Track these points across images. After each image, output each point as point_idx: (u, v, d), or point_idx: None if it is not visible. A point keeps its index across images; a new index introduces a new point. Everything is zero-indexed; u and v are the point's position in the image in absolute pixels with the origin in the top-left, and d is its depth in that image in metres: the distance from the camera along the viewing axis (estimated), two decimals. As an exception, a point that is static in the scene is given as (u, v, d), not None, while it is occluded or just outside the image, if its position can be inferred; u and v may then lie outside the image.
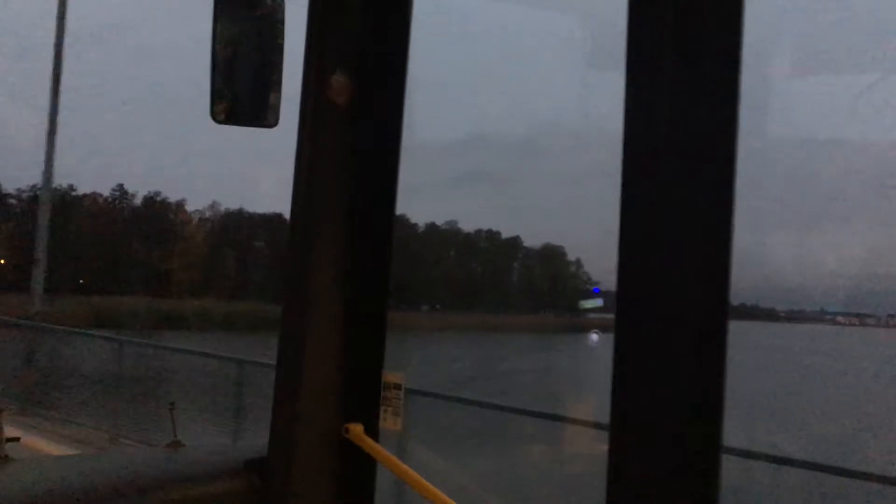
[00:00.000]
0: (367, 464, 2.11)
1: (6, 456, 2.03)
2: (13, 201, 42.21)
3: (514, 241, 39.02)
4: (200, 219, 44.68)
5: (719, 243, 1.35)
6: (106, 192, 43.56)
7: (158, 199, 44.07)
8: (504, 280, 40.10)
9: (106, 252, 40.28)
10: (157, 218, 43.00)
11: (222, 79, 1.99)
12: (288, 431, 2.08)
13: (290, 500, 2.06)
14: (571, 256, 35.30)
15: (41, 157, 18.11)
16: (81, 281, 38.42)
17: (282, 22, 2.01)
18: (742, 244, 1.38)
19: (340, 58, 2.04)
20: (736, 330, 1.38)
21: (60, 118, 18.05)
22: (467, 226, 39.77)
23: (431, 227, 38.90)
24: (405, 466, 2.01)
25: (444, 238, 39.74)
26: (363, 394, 2.12)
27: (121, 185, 43.62)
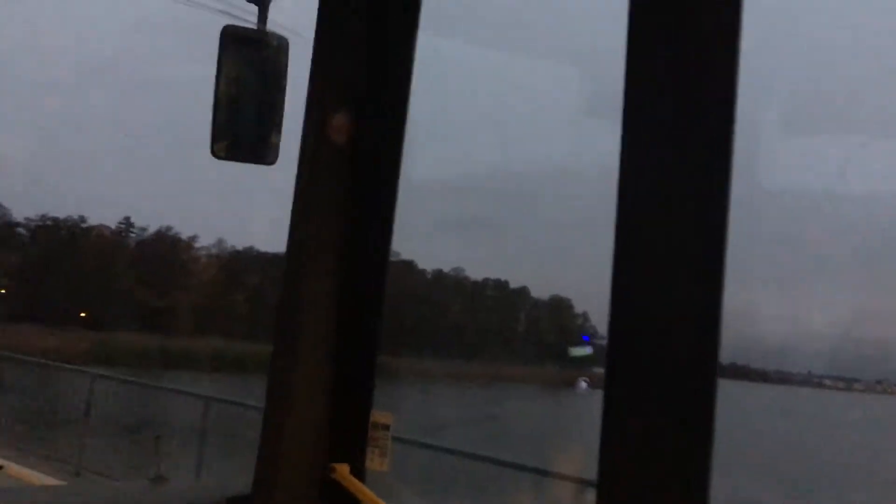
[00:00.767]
0: None
1: None
2: (21, 230, 42.55)
3: (523, 291, 39.01)
4: (207, 255, 44.79)
5: (709, 301, 1.35)
6: (113, 225, 43.89)
7: (170, 233, 44.31)
8: (509, 330, 39.91)
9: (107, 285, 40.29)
10: (160, 256, 43.02)
11: (225, 116, 2.01)
12: (272, 469, 2.04)
13: None
14: (579, 309, 35.19)
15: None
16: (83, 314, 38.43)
17: (285, 63, 2.03)
18: (733, 302, 1.37)
19: (342, 98, 2.05)
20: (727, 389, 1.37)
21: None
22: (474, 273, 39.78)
23: (438, 273, 38.98)
24: None
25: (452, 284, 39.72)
26: (350, 433, 2.09)
27: (127, 218, 43.96)
